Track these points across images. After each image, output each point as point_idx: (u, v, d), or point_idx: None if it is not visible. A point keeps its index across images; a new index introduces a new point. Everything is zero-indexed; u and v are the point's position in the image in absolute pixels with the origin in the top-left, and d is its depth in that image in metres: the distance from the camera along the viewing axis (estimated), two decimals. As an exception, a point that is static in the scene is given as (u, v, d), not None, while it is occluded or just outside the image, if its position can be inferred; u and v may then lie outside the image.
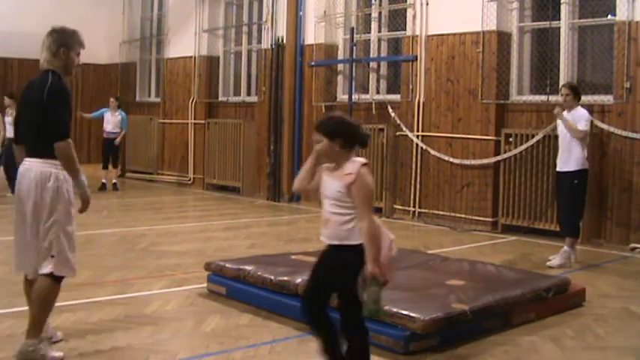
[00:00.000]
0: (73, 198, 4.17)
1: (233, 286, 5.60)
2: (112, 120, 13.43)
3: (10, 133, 11.11)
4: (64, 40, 4.19)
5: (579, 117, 7.26)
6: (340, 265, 3.62)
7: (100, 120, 13.69)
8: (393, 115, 10.81)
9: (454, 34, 10.09)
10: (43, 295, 4.09)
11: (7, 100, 12.15)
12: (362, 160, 3.58)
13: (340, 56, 11.95)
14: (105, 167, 13.34)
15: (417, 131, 10.49)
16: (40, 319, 4.10)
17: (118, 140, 13.39)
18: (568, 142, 7.29)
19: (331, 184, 3.58)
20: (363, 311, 3.55)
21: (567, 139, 7.30)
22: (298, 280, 5.19)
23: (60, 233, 4.09)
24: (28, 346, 4.03)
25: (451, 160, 10.04)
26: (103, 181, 13.19)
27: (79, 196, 4.16)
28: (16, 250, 4.25)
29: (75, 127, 16.60)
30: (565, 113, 7.33)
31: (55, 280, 4.12)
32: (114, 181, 13.40)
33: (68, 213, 4.12)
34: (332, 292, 3.72)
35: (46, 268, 4.06)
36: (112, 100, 13.75)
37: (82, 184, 4.11)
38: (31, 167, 4.09)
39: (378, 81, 11.51)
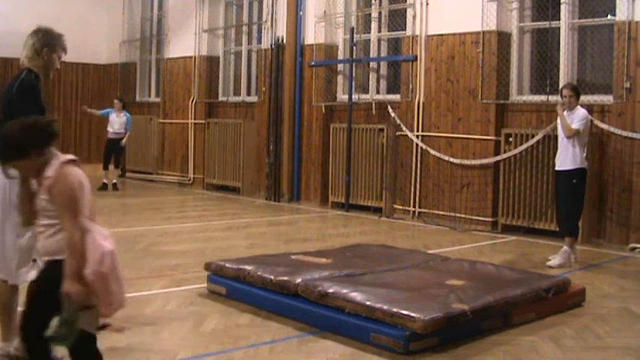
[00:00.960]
0: None
1: (233, 286, 5.61)
2: (117, 121, 13.51)
3: None
4: (48, 41, 4.15)
5: (577, 116, 7.28)
6: (49, 284, 3.11)
7: (105, 119, 13.75)
8: (393, 115, 10.81)
9: (454, 34, 10.09)
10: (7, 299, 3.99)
11: None
12: (66, 157, 3.13)
13: (340, 56, 11.95)
14: (105, 167, 13.38)
15: (417, 131, 10.50)
16: (11, 320, 3.98)
17: (124, 141, 13.48)
18: (567, 142, 7.31)
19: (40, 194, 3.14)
20: (48, 331, 3.00)
21: (566, 138, 7.32)
22: (298, 280, 5.19)
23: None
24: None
25: (451, 160, 10.04)
26: (104, 181, 13.24)
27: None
28: None
29: (75, 127, 16.65)
30: (566, 113, 7.35)
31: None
32: (114, 181, 13.43)
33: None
34: (48, 316, 3.05)
35: (16, 278, 3.90)
36: (116, 101, 13.79)
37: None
38: None
39: (378, 81, 11.52)
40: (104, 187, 13.15)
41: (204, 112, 14.27)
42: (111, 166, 13.47)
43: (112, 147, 13.44)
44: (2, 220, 3.93)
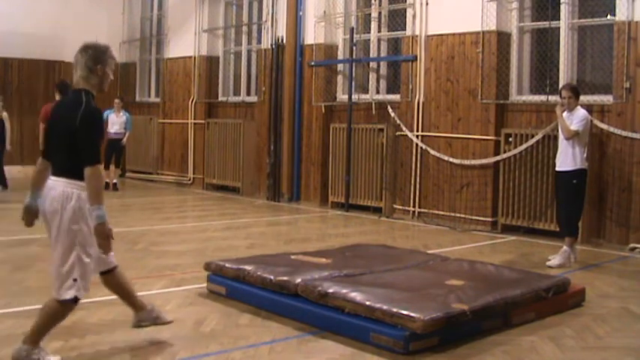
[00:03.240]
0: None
1: (233, 286, 5.60)
2: (117, 121, 13.63)
3: None
4: (100, 57, 4.19)
5: (576, 117, 7.28)
6: None
7: (105, 122, 13.76)
8: (392, 115, 10.81)
9: (454, 34, 10.09)
10: (53, 313, 4.06)
11: None
12: None
13: (340, 56, 11.95)
14: (107, 167, 13.46)
15: (417, 131, 10.50)
16: (41, 332, 4.06)
17: (124, 141, 13.60)
18: (567, 142, 7.31)
19: None
20: None
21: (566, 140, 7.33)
22: (298, 280, 5.19)
23: (82, 255, 3.98)
24: (22, 350, 4.02)
25: (451, 160, 10.04)
26: (107, 180, 13.33)
27: (94, 230, 3.92)
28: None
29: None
30: (566, 114, 7.34)
31: (74, 301, 4.05)
32: (114, 181, 13.50)
33: (88, 234, 3.97)
34: None
35: (68, 294, 3.97)
36: (116, 101, 13.86)
37: (99, 217, 3.88)
38: (54, 186, 4.00)
39: (377, 81, 11.52)
40: (106, 186, 13.20)
41: (204, 112, 14.27)
42: (112, 166, 13.56)
43: (112, 147, 13.51)
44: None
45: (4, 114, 13.00)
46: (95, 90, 4.14)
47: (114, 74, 4.43)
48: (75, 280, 3.96)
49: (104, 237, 3.93)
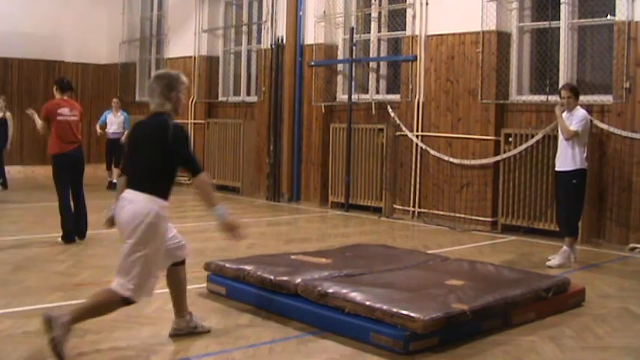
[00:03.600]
0: (166, 236, 4.41)
1: (233, 286, 5.60)
2: (115, 121, 13.67)
3: None
4: (173, 84, 4.43)
5: (576, 117, 7.28)
6: None
7: (104, 122, 13.86)
8: (392, 115, 10.81)
9: (454, 34, 10.09)
10: (104, 302, 4.29)
11: None
12: None
13: (340, 56, 11.95)
14: (109, 167, 13.68)
15: (417, 131, 10.50)
16: (83, 316, 4.23)
17: (123, 139, 13.60)
18: (567, 142, 7.30)
19: None
20: None
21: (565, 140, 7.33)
22: (298, 280, 5.19)
23: (149, 266, 4.24)
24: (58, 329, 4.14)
25: (451, 160, 10.04)
26: (110, 179, 13.57)
27: (219, 226, 4.41)
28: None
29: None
30: (565, 114, 7.34)
31: (125, 301, 4.26)
32: (114, 180, 13.53)
33: (159, 250, 4.32)
34: None
35: (125, 290, 4.20)
36: (115, 100, 13.96)
37: (220, 216, 4.38)
38: (134, 200, 4.27)
39: (377, 81, 11.52)
40: (111, 185, 13.40)
41: (203, 112, 14.28)
42: (113, 166, 13.63)
43: (112, 147, 13.60)
44: None
45: (8, 114, 13.06)
46: (172, 113, 4.45)
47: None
48: (134, 285, 4.20)
49: (231, 229, 4.42)
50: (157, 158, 4.30)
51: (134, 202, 4.25)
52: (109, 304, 4.28)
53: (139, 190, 4.28)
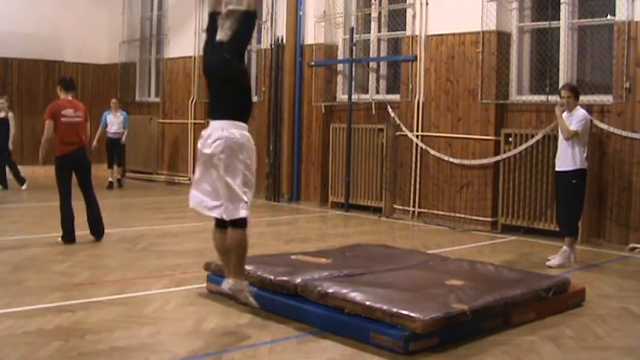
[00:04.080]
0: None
1: (233, 286, 5.60)
2: (115, 121, 13.81)
3: None
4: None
5: (575, 117, 7.28)
6: None
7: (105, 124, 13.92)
8: (392, 115, 10.81)
9: (454, 34, 10.09)
10: (241, 239, 4.75)
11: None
12: None
13: (340, 56, 11.95)
14: (110, 166, 13.80)
15: (417, 131, 10.50)
16: (242, 263, 4.81)
17: (123, 139, 13.79)
18: (567, 142, 7.30)
19: None
20: None
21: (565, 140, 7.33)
22: (298, 280, 5.19)
23: (251, 181, 4.75)
24: (238, 283, 4.78)
25: (451, 160, 10.04)
26: (110, 179, 13.70)
27: None
28: (203, 198, 4.83)
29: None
30: (565, 114, 7.34)
31: (245, 224, 4.71)
32: (118, 177, 13.95)
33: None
34: None
35: (241, 213, 4.64)
36: (114, 100, 14.14)
37: None
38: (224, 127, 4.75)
39: (377, 81, 11.52)
40: (111, 185, 13.61)
41: (203, 112, 14.26)
42: (115, 165, 13.87)
43: (113, 147, 13.76)
44: (210, 177, 4.76)
45: (10, 114, 13.10)
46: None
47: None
48: (245, 202, 4.68)
49: None
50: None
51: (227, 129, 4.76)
52: (243, 233, 4.73)
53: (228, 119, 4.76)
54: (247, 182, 4.74)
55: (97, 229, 8.03)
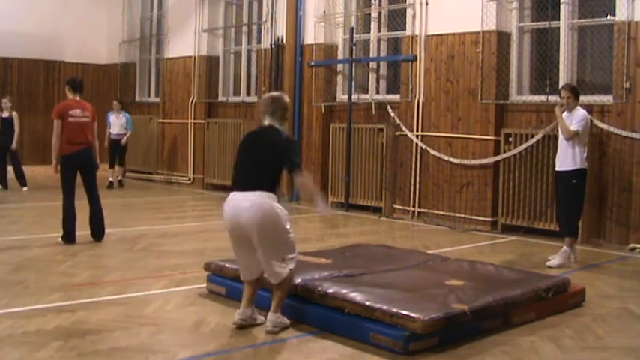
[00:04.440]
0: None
1: (233, 286, 5.59)
2: (117, 122, 13.92)
3: None
4: (284, 106, 5.32)
5: (575, 117, 7.28)
6: None
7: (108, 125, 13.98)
8: (392, 115, 10.81)
9: (454, 34, 10.09)
10: (290, 279, 4.91)
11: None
12: None
13: (340, 56, 11.95)
14: (112, 167, 13.88)
15: (417, 131, 10.50)
16: (282, 300, 4.92)
17: (124, 141, 13.85)
18: (567, 142, 7.30)
19: None
20: None
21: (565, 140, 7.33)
22: (298, 280, 5.19)
23: (288, 241, 4.89)
24: (277, 317, 4.83)
25: (451, 160, 10.04)
26: (111, 179, 13.76)
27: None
28: (242, 265, 5.04)
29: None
30: (565, 114, 7.34)
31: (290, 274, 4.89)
32: (119, 178, 14.01)
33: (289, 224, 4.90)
34: None
35: (286, 269, 4.81)
36: (115, 102, 14.22)
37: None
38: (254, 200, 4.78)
39: (377, 81, 11.52)
40: (111, 185, 13.66)
41: (203, 112, 14.27)
42: (116, 165, 13.93)
43: (115, 148, 13.85)
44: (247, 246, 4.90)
45: (14, 113, 13.12)
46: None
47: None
48: (284, 259, 4.84)
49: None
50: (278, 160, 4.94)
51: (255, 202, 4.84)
52: (291, 278, 4.94)
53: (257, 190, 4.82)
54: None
55: (97, 230, 8.03)
